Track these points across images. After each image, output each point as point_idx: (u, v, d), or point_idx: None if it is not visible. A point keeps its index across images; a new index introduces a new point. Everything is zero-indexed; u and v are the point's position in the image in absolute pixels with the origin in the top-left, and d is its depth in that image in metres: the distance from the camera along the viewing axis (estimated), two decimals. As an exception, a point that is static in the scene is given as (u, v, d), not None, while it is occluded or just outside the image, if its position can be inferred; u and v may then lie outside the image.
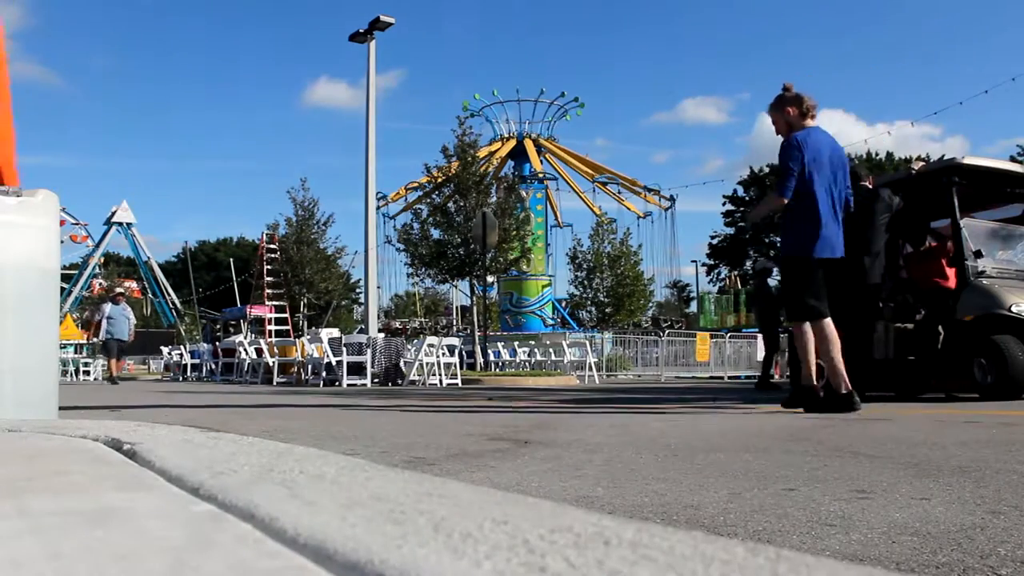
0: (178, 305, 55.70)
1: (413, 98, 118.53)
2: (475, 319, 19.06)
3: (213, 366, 20.62)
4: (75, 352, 29.25)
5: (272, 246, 29.30)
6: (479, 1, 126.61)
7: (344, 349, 13.90)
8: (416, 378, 14.18)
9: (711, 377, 20.51)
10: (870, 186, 6.50)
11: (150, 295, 57.05)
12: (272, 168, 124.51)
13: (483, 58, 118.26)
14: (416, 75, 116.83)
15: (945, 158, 7.08)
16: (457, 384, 13.61)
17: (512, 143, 39.77)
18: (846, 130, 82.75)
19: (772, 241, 54.76)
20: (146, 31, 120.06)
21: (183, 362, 22.56)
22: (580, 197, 41.90)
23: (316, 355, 14.77)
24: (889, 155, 47.26)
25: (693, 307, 50.11)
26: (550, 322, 36.52)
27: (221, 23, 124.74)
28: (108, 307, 16.65)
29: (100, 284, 50.64)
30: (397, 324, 38.74)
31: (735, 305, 31.78)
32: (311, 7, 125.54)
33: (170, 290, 57.57)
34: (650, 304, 33.92)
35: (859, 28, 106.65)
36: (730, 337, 23.25)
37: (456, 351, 14.57)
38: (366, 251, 20.61)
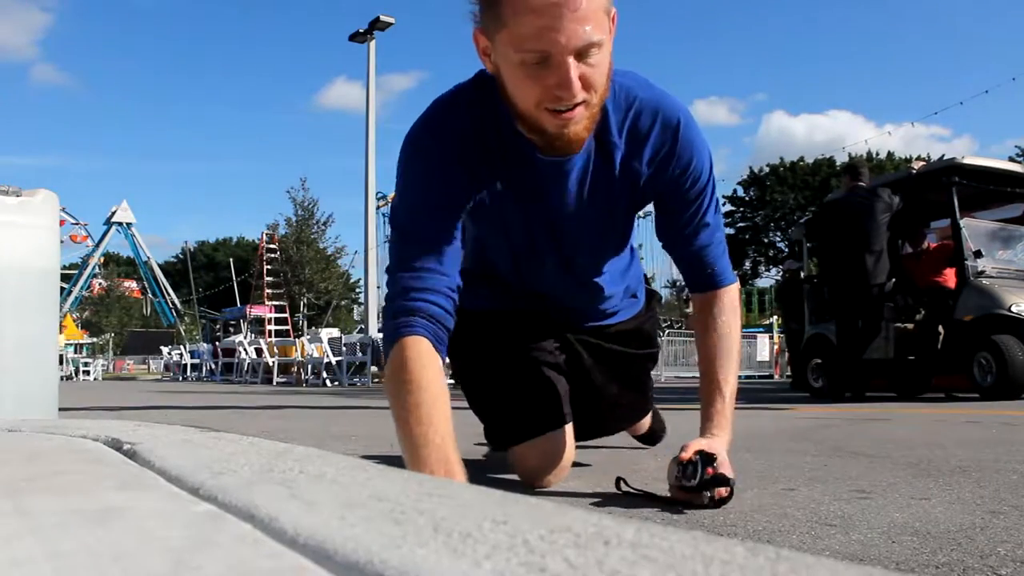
0: (178, 305, 55.73)
1: (428, 99, 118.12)
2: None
3: (213, 366, 20.64)
4: (75, 352, 29.25)
5: (272, 246, 29.33)
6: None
7: (344, 349, 13.90)
8: (416, 378, 14.16)
9: (711, 377, 20.45)
10: (866, 185, 6.50)
11: (150, 295, 57.08)
12: (277, 169, 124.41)
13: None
14: (436, 76, 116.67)
15: (945, 158, 7.08)
16: (457, 384, 13.60)
17: (512, 143, 39.72)
18: (853, 130, 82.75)
19: (771, 241, 54.76)
20: (150, 34, 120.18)
21: (183, 362, 22.58)
22: (580, 197, 41.86)
23: (316, 355, 14.77)
24: (890, 155, 47.21)
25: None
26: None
27: (228, 25, 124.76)
28: None
29: (100, 284, 50.66)
30: (397, 324, 38.64)
31: (735, 305, 31.71)
32: (327, 8, 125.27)
33: (170, 290, 57.59)
34: (650, 304, 33.78)
35: (863, 27, 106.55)
36: (730, 337, 23.24)
37: (456, 351, 14.55)
38: (366, 251, 20.63)
